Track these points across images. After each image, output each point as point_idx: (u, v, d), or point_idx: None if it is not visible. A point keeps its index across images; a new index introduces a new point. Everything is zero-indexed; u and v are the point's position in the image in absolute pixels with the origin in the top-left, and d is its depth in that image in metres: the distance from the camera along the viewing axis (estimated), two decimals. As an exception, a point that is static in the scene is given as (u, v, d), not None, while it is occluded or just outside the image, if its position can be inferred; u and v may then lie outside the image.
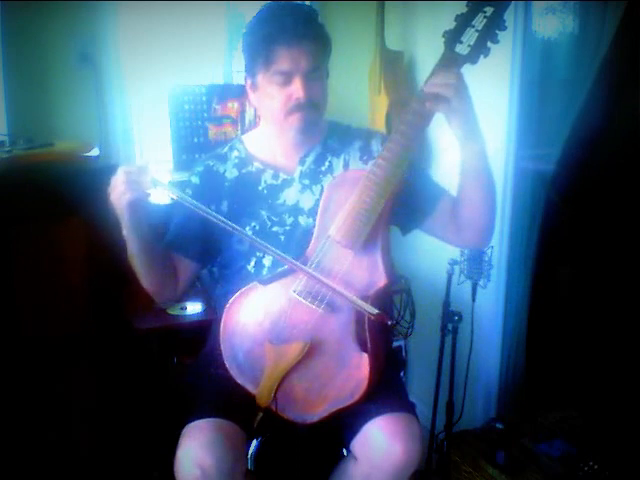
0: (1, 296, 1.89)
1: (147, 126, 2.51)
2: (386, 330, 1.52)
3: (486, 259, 2.13)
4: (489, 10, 1.27)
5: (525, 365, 2.60)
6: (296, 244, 1.48)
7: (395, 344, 2.56)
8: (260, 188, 1.54)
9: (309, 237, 1.43)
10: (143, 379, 2.13)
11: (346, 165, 1.55)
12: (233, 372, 1.41)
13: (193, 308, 2.19)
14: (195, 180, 1.58)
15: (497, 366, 2.47)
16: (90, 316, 2.02)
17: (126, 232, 1.41)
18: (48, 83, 2.27)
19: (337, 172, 1.54)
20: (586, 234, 2.67)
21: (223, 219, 1.35)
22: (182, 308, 2.18)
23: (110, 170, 1.38)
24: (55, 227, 1.94)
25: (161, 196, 1.39)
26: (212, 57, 2.65)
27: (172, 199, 1.37)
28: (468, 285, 2.19)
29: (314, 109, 1.44)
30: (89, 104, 2.31)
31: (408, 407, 1.44)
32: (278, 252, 1.36)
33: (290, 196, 1.53)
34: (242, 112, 2.47)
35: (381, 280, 1.36)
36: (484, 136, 1.37)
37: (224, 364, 1.42)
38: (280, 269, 1.41)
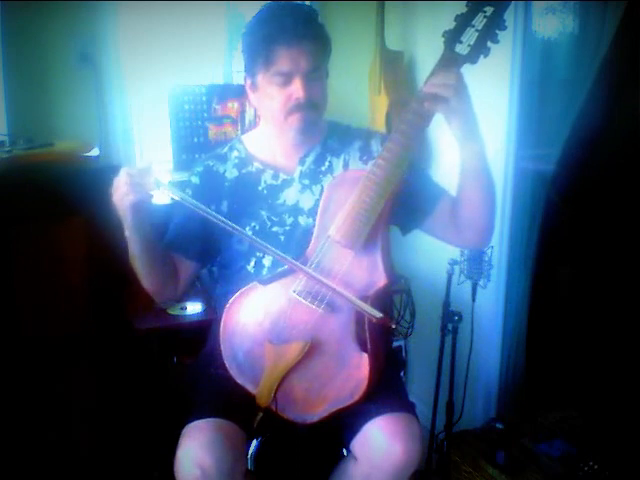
0: (1, 296, 1.89)
1: (147, 126, 2.51)
2: (386, 330, 1.52)
3: (486, 259, 2.13)
4: (489, 10, 1.27)
5: (525, 365, 2.60)
6: (296, 244, 1.48)
7: (395, 344, 2.57)
8: (260, 188, 1.54)
9: (309, 237, 1.43)
10: (143, 379, 2.13)
11: (346, 165, 1.55)
12: (233, 372, 1.41)
13: (193, 308, 2.19)
14: (195, 180, 1.58)
15: (497, 366, 2.47)
16: (90, 316, 2.02)
17: (128, 233, 1.41)
18: (48, 83, 2.27)
19: (337, 172, 1.54)
20: (586, 234, 2.67)
21: (223, 219, 1.35)
22: (182, 308, 2.18)
23: (110, 170, 1.38)
24: (55, 227, 1.94)
25: (161, 196, 1.39)
26: (212, 57, 2.65)
27: (172, 199, 1.37)
28: (468, 285, 2.19)
29: (314, 109, 1.44)
30: (89, 104, 2.31)
31: (408, 407, 1.44)
32: (278, 252, 1.36)
33: (290, 196, 1.53)
34: (242, 112, 2.47)
35: (381, 280, 1.36)
36: (483, 136, 1.36)
37: (224, 364, 1.42)
38: (280, 269, 1.41)
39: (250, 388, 1.39)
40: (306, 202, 1.53)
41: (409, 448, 1.32)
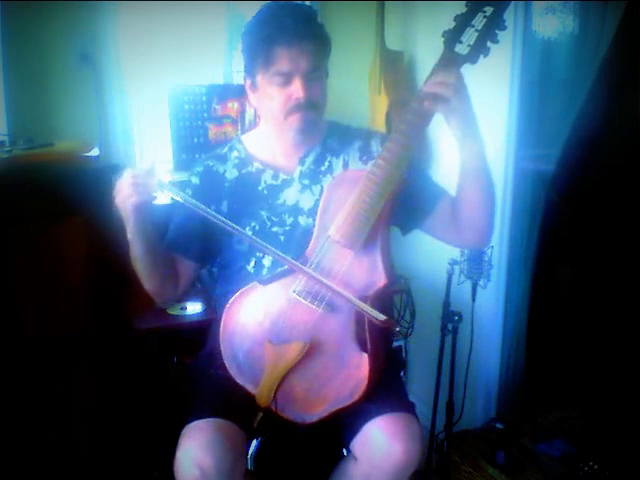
0: (1, 296, 1.89)
1: (147, 126, 2.51)
2: (386, 330, 1.52)
3: (486, 259, 2.13)
4: (489, 10, 1.27)
5: (525, 365, 2.60)
6: (296, 244, 1.48)
7: (395, 344, 2.57)
8: (260, 188, 1.54)
9: (309, 237, 1.43)
10: (143, 379, 2.13)
11: (346, 165, 1.55)
12: (233, 372, 1.41)
13: (193, 308, 2.19)
14: (195, 180, 1.58)
15: (497, 366, 2.47)
16: (90, 316, 2.02)
17: (131, 235, 1.41)
18: (48, 83, 2.27)
19: (337, 172, 1.54)
20: (586, 234, 2.67)
21: (224, 220, 1.36)
22: (182, 308, 2.18)
23: (110, 170, 1.38)
24: (55, 227, 1.94)
25: (161, 196, 1.39)
26: (212, 57, 2.65)
27: (172, 199, 1.37)
28: (468, 285, 2.19)
29: (314, 109, 1.44)
30: (89, 104, 2.31)
31: (408, 407, 1.44)
32: (278, 252, 1.36)
33: (290, 196, 1.53)
34: (242, 112, 2.47)
35: (381, 280, 1.36)
36: (483, 137, 1.36)
37: (224, 364, 1.42)
38: (280, 269, 1.41)
39: (250, 388, 1.39)
40: (306, 202, 1.53)
41: (409, 448, 1.32)
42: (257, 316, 1.41)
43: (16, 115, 2.17)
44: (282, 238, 1.51)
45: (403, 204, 1.44)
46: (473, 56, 1.29)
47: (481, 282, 2.17)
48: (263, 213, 1.52)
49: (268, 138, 1.56)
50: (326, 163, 1.55)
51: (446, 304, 2.17)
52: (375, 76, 2.55)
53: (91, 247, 2.00)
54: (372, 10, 2.50)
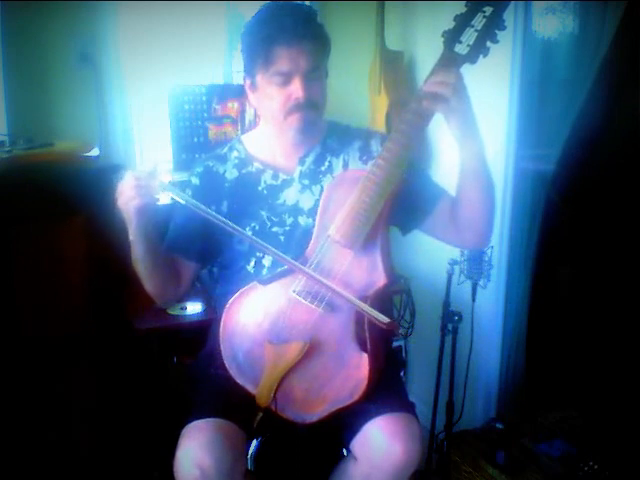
0: (1, 296, 1.89)
1: (147, 126, 2.51)
2: (386, 331, 1.52)
3: (486, 259, 2.13)
4: (488, 10, 1.27)
5: (525, 365, 2.60)
6: (296, 244, 1.48)
7: (395, 344, 2.57)
8: (260, 188, 1.54)
9: (309, 237, 1.43)
10: (143, 379, 2.13)
11: (345, 165, 1.55)
12: (233, 372, 1.41)
13: (193, 308, 2.19)
14: (195, 181, 1.58)
15: (497, 366, 2.47)
16: (90, 316, 2.02)
17: (133, 237, 1.41)
18: (48, 83, 2.26)
19: (337, 172, 1.54)
20: (586, 234, 2.67)
21: (224, 220, 1.36)
22: (182, 308, 2.18)
23: (110, 170, 1.38)
24: (55, 227, 1.94)
25: (162, 197, 1.39)
26: (212, 57, 2.65)
27: (172, 199, 1.37)
28: (468, 285, 2.20)
29: (313, 109, 1.44)
30: (89, 104, 2.31)
31: (408, 407, 1.44)
32: (278, 252, 1.36)
33: (290, 196, 1.53)
34: (242, 112, 2.47)
35: (380, 280, 1.36)
36: (483, 137, 1.36)
37: (224, 364, 1.42)
38: (280, 269, 1.41)
39: (250, 388, 1.39)
40: (306, 202, 1.53)
41: (409, 448, 1.32)
42: (257, 316, 1.41)
43: (16, 115, 2.17)
44: (282, 238, 1.51)
45: (403, 204, 1.44)
46: (473, 56, 1.29)
47: (481, 282, 2.17)
48: (263, 213, 1.52)
49: (268, 138, 1.56)
50: (326, 163, 1.55)
51: (446, 304, 2.17)
52: (375, 76, 2.55)
53: (91, 247, 2.00)
54: (372, 10, 2.50)
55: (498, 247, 2.30)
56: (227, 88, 2.50)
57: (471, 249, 2.08)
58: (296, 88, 1.40)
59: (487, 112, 1.61)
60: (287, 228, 1.52)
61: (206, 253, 1.58)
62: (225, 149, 1.61)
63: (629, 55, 2.39)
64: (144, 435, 2.12)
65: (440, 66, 1.31)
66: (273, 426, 1.42)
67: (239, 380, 1.40)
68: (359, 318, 1.35)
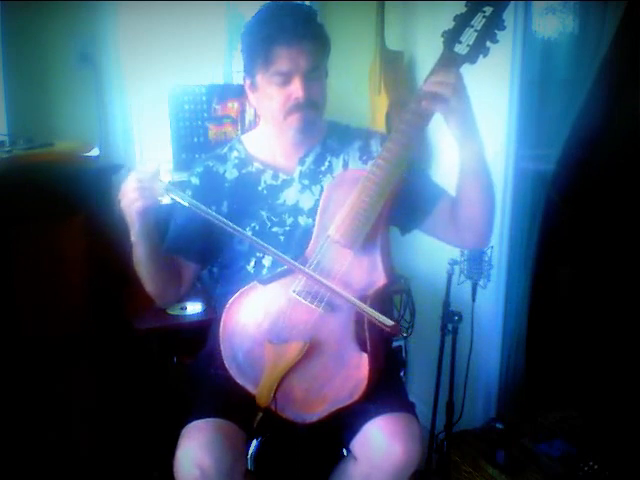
0: (1, 296, 1.89)
1: (147, 126, 2.51)
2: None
3: (486, 259, 2.13)
4: (488, 10, 1.27)
5: (525, 365, 2.60)
6: (296, 244, 1.48)
7: (395, 344, 2.56)
8: (260, 188, 1.54)
9: (309, 237, 1.43)
10: (143, 379, 2.13)
11: (345, 165, 1.55)
12: (233, 372, 1.41)
13: (193, 308, 2.19)
14: (195, 181, 1.58)
15: (497, 366, 2.47)
16: (90, 316, 2.02)
17: (135, 238, 1.41)
18: (48, 83, 2.26)
19: (337, 172, 1.54)
20: (586, 234, 2.67)
21: (225, 220, 1.35)
22: (182, 308, 2.18)
23: (110, 170, 1.38)
24: (55, 227, 1.93)
25: (164, 198, 1.39)
26: (212, 57, 2.65)
27: (172, 199, 1.37)
28: (468, 285, 2.20)
29: (313, 109, 1.44)
30: (89, 104, 2.31)
31: (408, 407, 1.44)
32: (278, 253, 1.36)
33: (290, 196, 1.53)
34: (242, 112, 2.47)
35: (380, 280, 1.36)
36: (483, 137, 1.36)
37: (224, 364, 1.42)
38: (280, 269, 1.41)
39: (250, 388, 1.39)
40: (306, 202, 1.53)
41: (409, 448, 1.32)
42: (257, 316, 1.41)
43: (16, 115, 2.17)
44: (282, 238, 1.51)
45: (403, 204, 1.44)
46: (472, 56, 1.29)
47: (481, 282, 2.17)
48: (263, 213, 1.52)
49: (268, 138, 1.56)
50: (326, 163, 1.55)
51: (446, 304, 2.17)
52: (375, 76, 2.55)
53: (91, 247, 2.00)
54: (372, 10, 2.50)
55: (498, 247, 2.30)
56: (227, 88, 2.50)
57: (471, 249, 2.08)
58: (296, 88, 1.40)
59: (487, 112, 1.61)
60: (287, 228, 1.52)
61: (206, 253, 1.58)
62: (225, 149, 1.61)
63: (629, 55, 2.39)
64: (144, 435, 2.11)
65: (440, 66, 1.31)
66: (273, 426, 1.42)
67: (239, 380, 1.40)
68: (359, 318, 1.35)
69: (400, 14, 2.59)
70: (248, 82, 1.50)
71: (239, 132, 2.44)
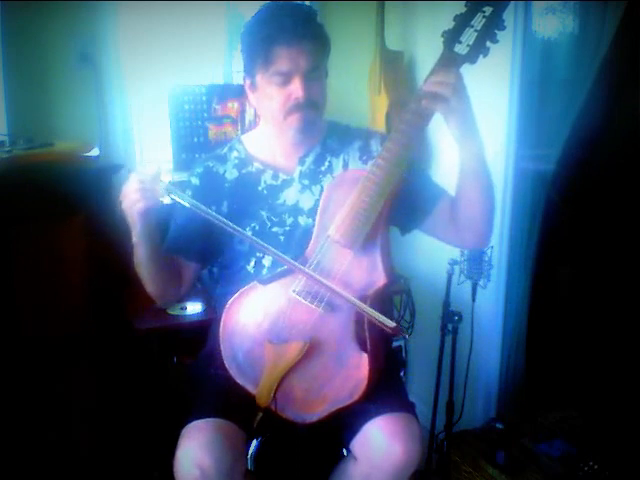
0: (1, 296, 1.89)
1: (147, 126, 2.51)
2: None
3: (486, 259, 2.13)
4: (488, 10, 1.27)
5: (525, 365, 2.60)
6: (296, 244, 1.48)
7: (395, 344, 2.56)
8: (260, 188, 1.54)
9: (309, 237, 1.43)
10: (143, 379, 2.13)
11: (345, 165, 1.55)
12: (233, 372, 1.41)
13: (193, 308, 2.19)
14: (195, 181, 1.58)
15: (497, 366, 2.47)
16: (90, 316, 2.02)
17: (136, 239, 1.41)
18: (48, 83, 2.26)
19: (337, 172, 1.54)
20: (586, 234, 2.67)
21: (225, 220, 1.36)
22: (182, 308, 2.18)
23: (110, 170, 1.38)
24: (55, 227, 1.94)
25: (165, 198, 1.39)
26: (212, 57, 2.65)
27: (172, 199, 1.37)
28: (468, 285, 2.20)
29: (313, 109, 1.44)
30: (89, 104, 2.31)
31: (408, 407, 1.44)
32: (278, 253, 1.36)
33: (290, 196, 1.53)
34: (242, 112, 2.47)
35: (380, 280, 1.36)
36: (483, 137, 1.36)
37: (224, 364, 1.42)
38: (280, 269, 1.41)
39: (250, 388, 1.39)
40: (306, 202, 1.53)
41: (409, 448, 1.32)
42: (257, 316, 1.41)
43: (16, 115, 2.17)
44: (282, 238, 1.51)
45: (403, 204, 1.44)
46: (472, 56, 1.29)
47: (481, 282, 2.17)
48: (263, 213, 1.52)
49: (268, 138, 1.56)
50: (326, 163, 1.55)
51: (446, 304, 2.17)
52: (375, 76, 2.55)
53: (91, 247, 2.00)
54: (372, 10, 2.50)
55: (498, 247, 2.30)
56: (227, 88, 2.50)
57: (471, 249, 2.08)
58: (296, 88, 1.40)
59: (487, 112, 1.61)
60: (287, 228, 1.52)
61: (207, 253, 1.59)
62: (225, 149, 1.61)
63: (629, 55, 2.39)
64: (144, 435, 2.11)
65: (440, 66, 1.31)
66: (273, 426, 1.42)
67: (239, 380, 1.40)
68: (359, 318, 1.35)
69: (400, 14, 2.59)
70: (248, 82, 1.50)
71: (239, 132, 2.45)
